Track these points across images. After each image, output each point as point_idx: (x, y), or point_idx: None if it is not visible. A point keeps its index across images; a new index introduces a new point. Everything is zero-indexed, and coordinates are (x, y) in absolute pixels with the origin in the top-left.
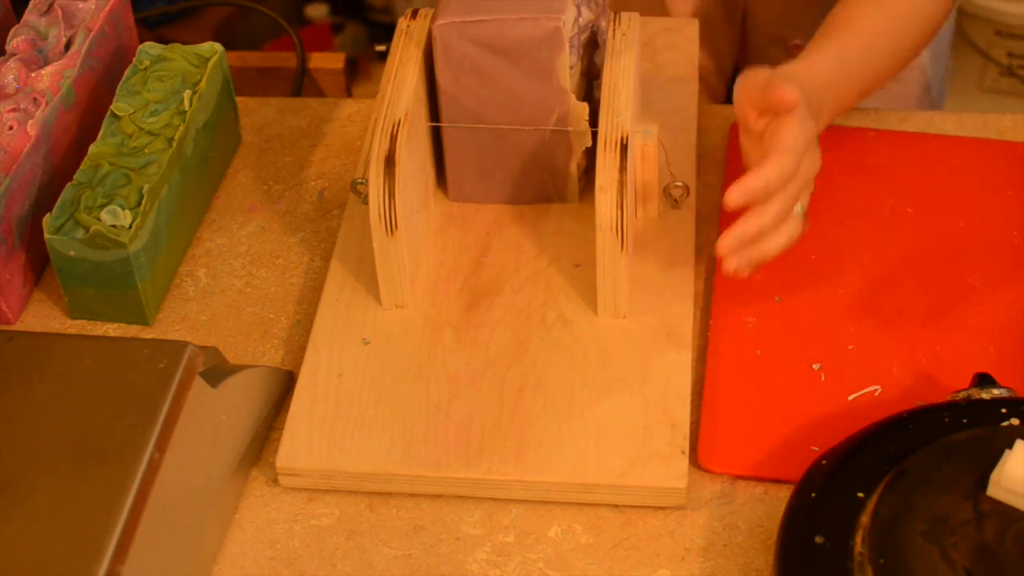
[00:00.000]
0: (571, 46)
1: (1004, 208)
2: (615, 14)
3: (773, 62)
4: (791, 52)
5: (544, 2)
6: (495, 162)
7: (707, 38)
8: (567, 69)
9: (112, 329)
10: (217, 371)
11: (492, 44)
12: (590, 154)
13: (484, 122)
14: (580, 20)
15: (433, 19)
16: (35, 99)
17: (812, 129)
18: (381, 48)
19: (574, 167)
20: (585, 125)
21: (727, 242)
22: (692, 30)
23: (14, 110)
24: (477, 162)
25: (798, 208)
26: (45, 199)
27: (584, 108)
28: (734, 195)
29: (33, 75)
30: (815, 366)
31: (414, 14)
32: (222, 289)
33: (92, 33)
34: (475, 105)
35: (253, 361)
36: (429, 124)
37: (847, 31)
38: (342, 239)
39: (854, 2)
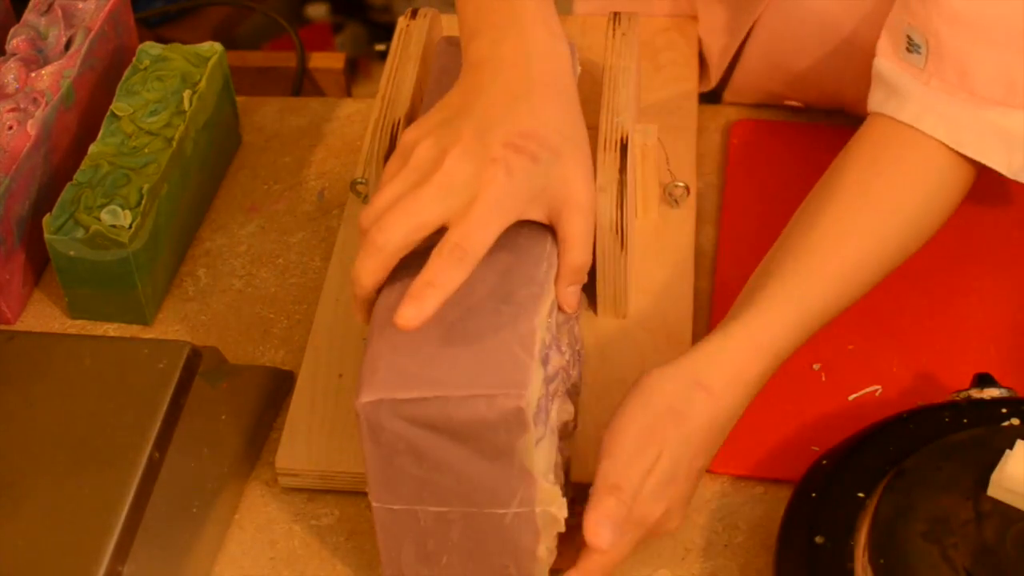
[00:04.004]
0: (538, 411)
1: (1004, 207)
2: (615, 14)
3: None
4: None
5: (502, 367)
6: (441, 545)
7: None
8: (532, 449)
9: (112, 329)
10: (217, 371)
11: (434, 425)
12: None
13: (424, 504)
14: (549, 369)
15: (357, 391)
16: (35, 99)
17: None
18: (381, 48)
19: (543, 550)
20: (556, 508)
21: None
22: (692, 30)
23: (14, 110)
24: (419, 544)
25: None
26: (45, 199)
27: (555, 491)
28: None
29: (33, 75)
30: (815, 366)
31: (414, 14)
32: (222, 289)
33: (92, 33)
34: (412, 488)
35: (253, 361)
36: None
37: (823, 264)
38: (342, 239)
39: (836, 202)
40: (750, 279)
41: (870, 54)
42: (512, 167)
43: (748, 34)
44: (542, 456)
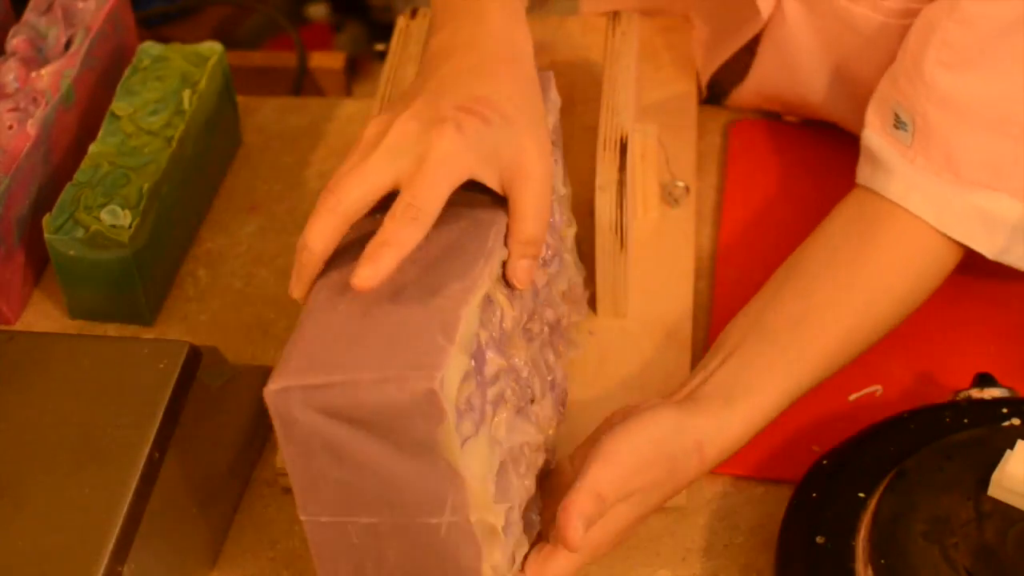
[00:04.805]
0: (468, 408)
1: None
2: (614, 13)
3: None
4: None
5: (416, 350)
6: (377, 565)
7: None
8: (455, 443)
9: (112, 329)
10: (217, 371)
11: (348, 415)
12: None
13: (352, 515)
14: (486, 370)
15: (268, 378)
16: (35, 99)
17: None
18: (381, 48)
19: (487, 569)
20: (494, 516)
21: None
22: (692, 30)
23: (14, 110)
24: (354, 563)
25: None
26: (45, 199)
27: (488, 495)
28: None
29: (33, 75)
30: None
31: (414, 13)
32: (222, 289)
33: (92, 32)
34: (337, 494)
35: (253, 361)
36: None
37: (817, 339)
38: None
39: (830, 276)
40: (745, 313)
41: (863, 88)
42: (463, 125)
43: (748, 63)
44: (475, 457)
